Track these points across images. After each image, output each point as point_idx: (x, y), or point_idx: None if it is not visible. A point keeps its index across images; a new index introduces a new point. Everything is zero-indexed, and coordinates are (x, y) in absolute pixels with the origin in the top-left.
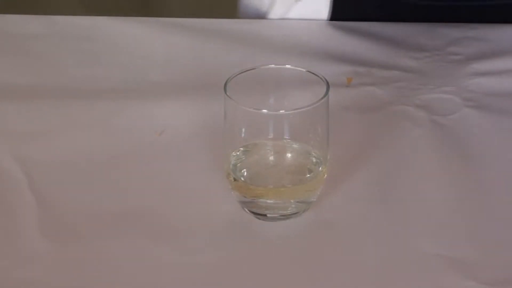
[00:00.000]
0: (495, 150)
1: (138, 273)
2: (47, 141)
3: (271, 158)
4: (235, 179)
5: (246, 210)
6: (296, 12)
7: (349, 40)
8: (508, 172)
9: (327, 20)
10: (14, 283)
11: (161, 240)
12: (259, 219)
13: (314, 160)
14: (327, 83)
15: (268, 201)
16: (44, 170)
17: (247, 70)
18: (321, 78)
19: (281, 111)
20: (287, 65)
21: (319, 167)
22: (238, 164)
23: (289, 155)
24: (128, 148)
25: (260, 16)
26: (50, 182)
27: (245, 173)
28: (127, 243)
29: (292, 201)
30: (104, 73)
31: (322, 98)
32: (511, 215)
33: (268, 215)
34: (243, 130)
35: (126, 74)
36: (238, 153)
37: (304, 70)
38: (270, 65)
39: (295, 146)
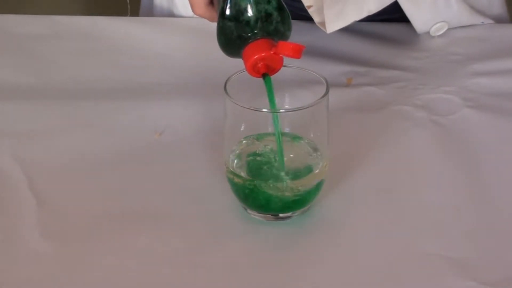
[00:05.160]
0: (495, 150)
1: (138, 273)
2: (47, 141)
3: (271, 158)
4: (235, 178)
5: (246, 209)
6: None
7: (349, 40)
8: (508, 172)
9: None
10: (14, 283)
11: (161, 240)
12: (259, 218)
13: (314, 159)
14: (327, 82)
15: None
16: (44, 170)
17: None
18: (321, 78)
19: (281, 111)
20: (287, 65)
21: (319, 167)
22: (238, 164)
23: (289, 154)
24: (128, 148)
25: None
26: (50, 182)
27: (245, 172)
28: (127, 243)
29: (292, 201)
30: (104, 73)
31: (322, 97)
32: (511, 215)
33: (268, 215)
34: (243, 129)
35: (126, 74)
36: (238, 152)
37: (304, 70)
38: None
39: (295, 145)
